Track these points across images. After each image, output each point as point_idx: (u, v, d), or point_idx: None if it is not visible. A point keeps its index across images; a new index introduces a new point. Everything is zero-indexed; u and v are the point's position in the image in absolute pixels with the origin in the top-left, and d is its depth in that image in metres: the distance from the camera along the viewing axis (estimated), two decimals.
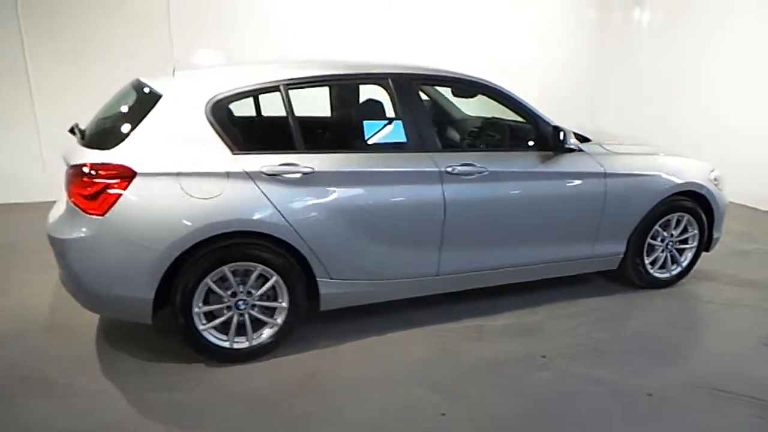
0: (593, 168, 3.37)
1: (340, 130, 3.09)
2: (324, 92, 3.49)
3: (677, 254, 3.85)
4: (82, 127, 2.98)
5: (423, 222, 3.01)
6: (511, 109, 3.31)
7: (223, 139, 2.67)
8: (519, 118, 3.42)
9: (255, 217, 2.66)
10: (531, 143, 3.36)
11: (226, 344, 2.80)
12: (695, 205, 3.72)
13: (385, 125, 3.15)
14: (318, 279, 2.88)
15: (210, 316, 2.77)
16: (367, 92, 3.40)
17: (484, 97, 3.44)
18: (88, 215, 2.52)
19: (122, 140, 2.58)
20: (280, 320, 2.86)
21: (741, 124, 5.98)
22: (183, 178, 2.57)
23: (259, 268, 2.74)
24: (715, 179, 3.81)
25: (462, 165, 3.03)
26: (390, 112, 3.14)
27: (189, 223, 2.55)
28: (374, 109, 3.24)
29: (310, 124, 3.09)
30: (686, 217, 3.73)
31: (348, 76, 3.05)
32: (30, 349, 2.93)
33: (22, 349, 2.93)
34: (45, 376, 2.69)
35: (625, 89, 7.38)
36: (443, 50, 6.26)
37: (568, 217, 3.37)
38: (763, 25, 5.78)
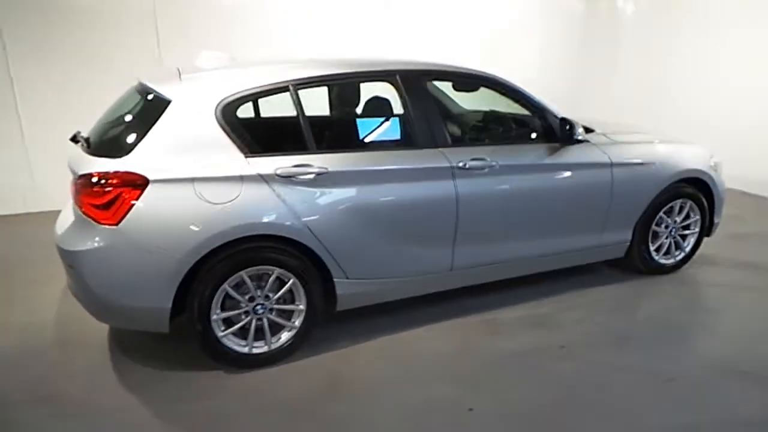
0: (600, 158, 3.40)
1: (351, 129, 3.06)
2: (332, 91, 3.45)
3: (680, 240, 3.90)
4: (84, 134, 2.91)
5: (437, 218, 3.00)
6: (518, 102, 3.32)
7: (235, 142, 2.63)
8: (519, 111, 3.44)
9: (272, 220, 2.62)
10: (538, 135, 3.38)
11: (245, 350, 2.76)
12: (697, 192, 3.78)
13: (395, 122, 3.12)
14: (335, 280, 2.85)
15: (227, 322, 2.73)
16: (373, 90, 3.38)
17: (482, 92, 3.45)
18: (101, 225, 2.46)
19: (133, 147, 2.52)
20: (297, 323, 2.83)
21: (726, 110, 6.10)
22: (198, 183, 2.52)
23: (276, 271, 2.70)
24: (715, 165, 3.87)
25: (473, 160, 3.03)
26: (398, 108, 3.12)
27: (206, 229, 2.50)
28: (383, 107, 3.22)
29: (320, 123, 3.06)
30: (689, 203, 3.79)
31: (357, 74, 3.01)
32: (46, 366, 2.85)
33: (38, 366, 2.84)
34: (66, 394, 2.61)
35: (609, 79, 7.46)
36: (442, 49, 6.29)
37: (577, 208, 3.40)
38: (746, 13, 5.89)
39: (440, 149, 3.00)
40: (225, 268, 2.59)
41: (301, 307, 2.81)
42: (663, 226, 3.79)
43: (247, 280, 2.67)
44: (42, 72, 5.27)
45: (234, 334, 2.73)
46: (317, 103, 3.53)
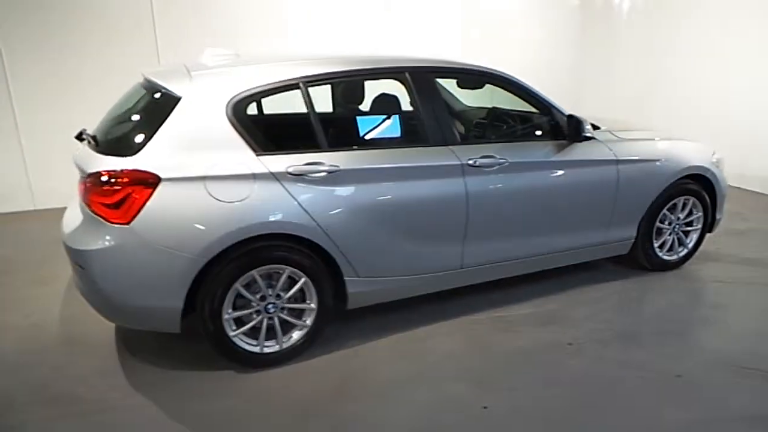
0: (606, 155, 3.41)
1: (362, 127, 3.04)
2: (341, 88, 3.42)
3: (683, 236, 3.93)
4: (90, 132, 2.87)
5: (447, 215, 3.00)
6: (525, 100, 3.32)
7: (245, 140, 2.60)
8: (522, 108, 3.45)
9: (284, 219, 2.60)
10: (545, 132, 3.38)
11: (257, 349, 2.74)
12: (700, 188, 3.81)
13: (405, 120, 3.11)
14: (346, 278, 2.84)
15: (238, 321, 2.71)
16: (379, 87, 3.36)
17: (485, 89, 3.46)
18: (111, 224, 2.43)
19: (143, 145, 2.48)
20: (309, 321, 2.82)
21: (724, 106, 6.14)
22: (209, 182, 2.49)
23: (288, 270, 2.69)
24: (717, 161, 3.90)
25: (482, 157, 3.03)
26: (406, 105, 3.10)
27: (218, 228, 2.48)
28: (391, 104, 3.20)
29: (330, 121, 3.04)
30: (692, 200, 3.81)
31: (367, 71, 3.00)
32: (52, 367, 2.81)
33: (43, 368, 2.80)
34: (75, 395, 2.58)
35: (606, 76, 7.50)
36: (442, 49, 6.28)
37: (584, 205, 3.41)
38: (744, 9, 5.93)
39: (450, 147, 3.00)
40: (237, 267, 2.57)
41: (312, 305, 2.80)
42: (667, 222, 3.82)
43: (259, 279, 2.65)
44: (38, 70, 5.20)
45: (245, 333, 2.71)
46: (323, 100, 3.52)
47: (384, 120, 3.13)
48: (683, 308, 3.48)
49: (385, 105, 3.22)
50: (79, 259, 2.52)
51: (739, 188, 6.04)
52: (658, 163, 3.58)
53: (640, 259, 3.82)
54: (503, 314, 3.34)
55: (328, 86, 3.42)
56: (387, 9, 6.15)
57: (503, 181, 3.09)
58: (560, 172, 3.26)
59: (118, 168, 2.44)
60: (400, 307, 3.24)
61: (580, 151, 3.32)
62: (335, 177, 2.71)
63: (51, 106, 5.29)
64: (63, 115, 5.30)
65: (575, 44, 7.31)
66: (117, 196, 2.42)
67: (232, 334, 2.66)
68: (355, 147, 2.87)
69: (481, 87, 3.54)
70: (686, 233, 3.94)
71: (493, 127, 3.69)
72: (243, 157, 2.58)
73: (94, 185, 2.47)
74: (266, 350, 2.76)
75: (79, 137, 2.94)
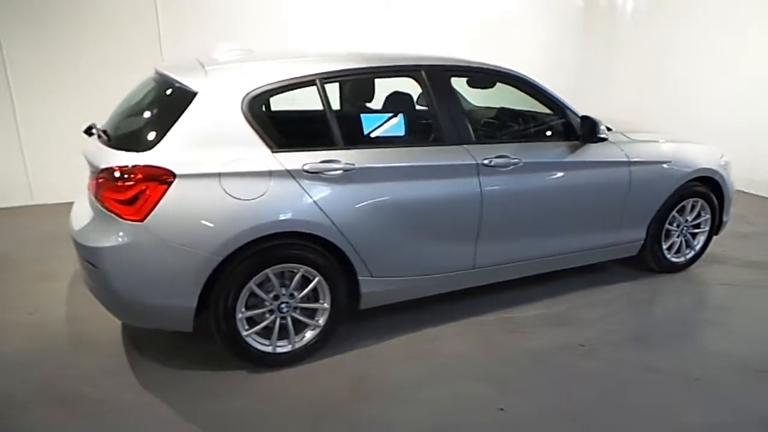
0: (619, 156, 3.40)
1: (377, 125, 3.01)
2: (355, 85, 3.38)
3: (691, 239, 3.94)
4: (100, 127, 2.82)
5: (461, 215, 2.97)
6: (538, 100, 3.30)
7: (261, 137, 2.56)
8: (532, 108, 3.43)
9: (300, 218, 2.57)
10: (557, 133, 3.36)
11: (269, 349, 2.70)
12: (708, 190, 3.81)
13: (420, 118, 3.08)
14: (359, 278, 2.81)
15: (250, 320, 2.67)
16: (392, 85, 3.33)
17: (492, 89, 3.44)
18: (125, 221, 2.38)
19: (158, 141, 2.44)
20: (322, 321, 2.79)
21: (725, 107, 6.16)
22: (225, 179, 2.45)
23: (302, 269, 2.65)
24: (725, 164, 3.91)
25: (497, 157, 3.01)
26: (422, 104, 3.08)
27: (234, 226, 2.44)
28: (405, 102, 3.17)
29: (346, 118, 3.00)
30: (700, 202, 3.82)
31: (383, 69, 2.96)
32: (58, 366, 2.75)
33: (50, 367, 2.75)
34: (83, 395, 2.53)
35: (607, 75, 7.50)
36: (442, 49, 6.22)
37: (596, 206, 3.41)
38: (744, 9, 5.95)
39: (465, 146, 2.97)
40: (251, 265, 2.53)
41: (326, 305, 2.77)
42: (675, 224, 3.82)
43: (273, 278, 2.61)
44: (39, 65, 5.11)
45: (257, 333, 2.68)
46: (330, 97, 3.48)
47: (400, 118, 3.10)
48: (692, 310, 3.49)
49: (400, 103, 3.19)
50: (90, 256, 2.47)
51: (743, 192, 6.07)
52: (668, 165, 3.58)
53: (648, 260, 3.82)
54: (513, 315, 3.32)
55: (336, 83, 3.38)
56: (387, 9, 6.11)
57: (517, 182, 3.08)
58: (574, 173, 3.25)
59: (133, 164, 2.39)
60: (410, 308, 3.21)
61: (593, 152, 3.31)
62: (351, 175, 2.68)
63: (50, 98, 5.20)
64: (62, 109, 5.22)
65: (577, 45, 7.30)
66: (131, 193, 2.37)
67: (245, 333, 2.62)
68: (370, 145, 2.84)
69: (492, 86, 3.51)
70: (693, 235, 3.95)
71: (504, 126, 3.67)
72: (259, 154, 2.54)
73: (107, 181, 2.42)
74: (279, 350, 2.72)
75: (88, 131, 2.88)
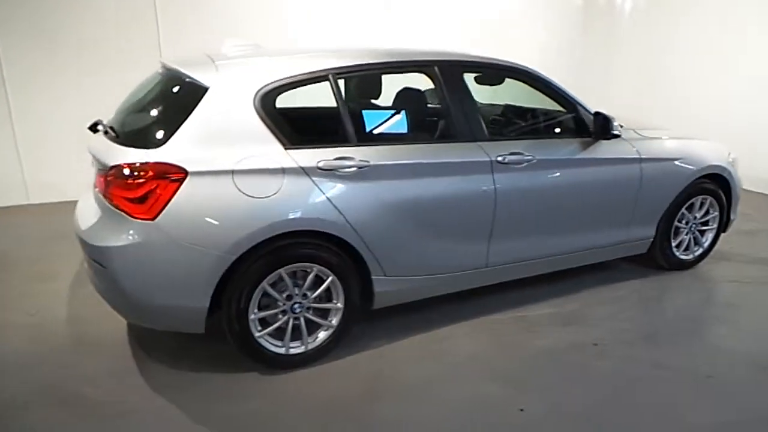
0: (630, 153, 3.38)
1: (391, 121, 2.97)
2: (353, 82, 3.31)
3: (699, 236, 3.93)
4: (107, 123, 2.74)
5: (475, 213, 2.93)
6: (550, 96, 3.27)
7: (274, 133, 2.51)
8: (542, 105, 3.39)
9: (314, 216, 2.52)
10: (569, 129, 3.33)
11: (282, 350, 2.65)
12: (717, 187, 3.80)
13: (434, 114, 3.02)
14: (373, 277, 2.76)
15: (262, 321, 2.61)
16: (402, 81, 3.28)
17: (499, 86, 3.41)
18: (135, 220, 2.32)
19: (169, 137, 2.37)
20: (335, 321, 2.74)
21: (724, 105, 6.16)
22: (237, 176, 2.39)
23: (316, 268, 2.60)
24: (733, 161, 3.90)
25: (511, 154, 2.97)
26: (435, 100, 3.03)
27: (247, 225, 2.38)
28: (417, 99, 3.13)
29: (359, 114, 2.95)
30: (709, 199, 3.81)
31: (395, 64, 2.91)
32: (62, 368, 2.69)
33: (53, 369, 2.68)
34: (89, 397, 2.46)
35: (607, 74, 7.49)
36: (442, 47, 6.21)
37: (608, 203, 3.38)
38: (742, 6, 5.95)
39: (478, 143, 2.93)
40: (264, 265, 2.48)
41: (339, 305, 2.72)
42: (684, 222, 3.81)
43: (286, 278, 2.56)
44: (35, 63, 5.01)
45: (270, 334, 2.62)
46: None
47: (413, 115, 3.05)
48: (701, 308, 3.48)
49: (412, 99, 3.14)
50: (98, 256, 2.40)
51: (744, 189, 6.06)
52: (679, 162, 3.57)
53: (657, 258, 3.80)
54: (525, 314, 3.29)
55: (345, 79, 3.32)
56: (387, 9, 6.07)
57: (531, 179, 3.04)
58: (586, 170, 3.22)
59: (143, 161, 2.32)
60: (421, 307, 3.16)
61: (605, 149, 3.28)
62: (365, 172, 2.62)
63: (46, 96, 5.11)
64: (58, 107, 5.13)
65: (577, 44, 7.29)
66: (141, 191, 2.31)
67: (257, 334, 2.57)
68: (384, 142, 2.78)
69: (501, 83, 3.48)
70: (702, 233, 3.93)
71: (515, 123, 3.63)
72: (272, 151, 2.48)
73: (116, 178, 2.35)
74: (292, 351, 2.67)
75: (93, 128, 2.81)
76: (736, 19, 6.06)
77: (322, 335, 2.73)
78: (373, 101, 3.29)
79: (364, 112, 3.05)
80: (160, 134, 2.40)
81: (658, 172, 3.48)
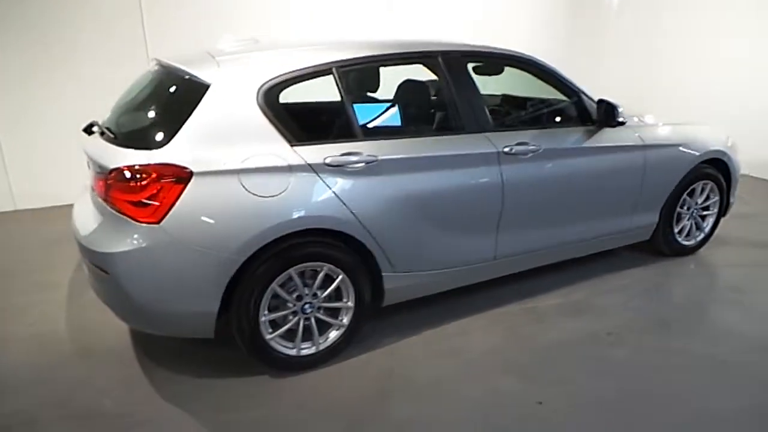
0: (634, 140, 3.36)
1: (397, 114, 2.91)
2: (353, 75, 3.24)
3: (700, 221, 3.93)
4: (102, 123, 2.65)
5: (483, 205, 2.89)
6: (553, 85, 3.23)
7: (279, 129, 2.43)
8: (544, 94, 3.36)
9: (324, 213, 2.45)
10: (571, 118, 3.30)
11: (293, 352, 2.59)
12: (717, 172, 3.81)
13: (439, 106, 2.96)
14: (383, 274, 2.71)
15: (272, 323, 2.55)
16: (403, 73, 3.22)
17: (499, 75, 3.36)
18: (139, 223, 2.23)
19: (171, 137, 2.28)
20: (346, 320, 2.68)
21: (713, 95, 6.19)
22: (244, 175, 2.32)
23: (326, 267, 2.54)
24: (732, 146, 3.91)
25: (518, 144, 2.93)
26: (440, 91, 2.97)
27: (256, 225, 2.31)
28: (420, 90, 3.07)
29: (365, 108, 2.88)
30: (710, 184, 3.81)
31: (398, 56, 2.84)
32: (73, 380, 2.59)
33: (64, 381, 2.58)
34: (101, 409, 2.38)
35: (597, 64, 7.48)
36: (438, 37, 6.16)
37: (614, 191, 3.37)
38: (734, 1, 5.98)
39: (485, 134, 2.89)
40: (274, 265, 2.41)
41: (350, 304, 2.66)
42: (686, 207, 3.81)
43: (296, 278, 2.49)
44: (18, 67, 4.83)
45: (280, 335, 2.55)
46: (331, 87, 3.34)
47: (417, 107, 2.99)
48: (708, 293, 3.50)
49: (415, 91, 3.08)
50: (101, 262, 2.31)
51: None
52: (681, 148, 3.56)
53: (660, 244, 3.80)
54: (534, 305, 3.26)
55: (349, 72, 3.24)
56: (389, 9, 6.01)
57: (538, 169, 3.01)
58: (593, 158, 3.20)
59: (146, 162, 2.24)
60: (428, 302, 3.12)
61: (610, 137, 3.26)
62: (373, 168, 2.56)
63: (30, 100, 4.93)
64: (43, 111, 4.97)
65: (566, 28, 7.26)
66: (145, 193, 2.22)
67: (268, 337, 2.50)
68: (391, 136, 2.72)
69: (500, 72, 3.43)
70: (703, 218, 3.94)
71: (519, 113, 3.58)
72: (278, 149, 2.41)
73: (118, 181, 2.26)
74: (303, 352, 2.61)
75: (88, 130, 2.70)
76: (726, 1, 6.07)
77: (333, 335, 2.68)
78: (374, 94, 3.23)
79: (368, 105, 2.98)
80: (161, 134, 2.31)
81: (661, 158, 3.47)
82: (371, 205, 2.56)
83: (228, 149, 2.33)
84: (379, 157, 2.57)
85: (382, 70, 3.27)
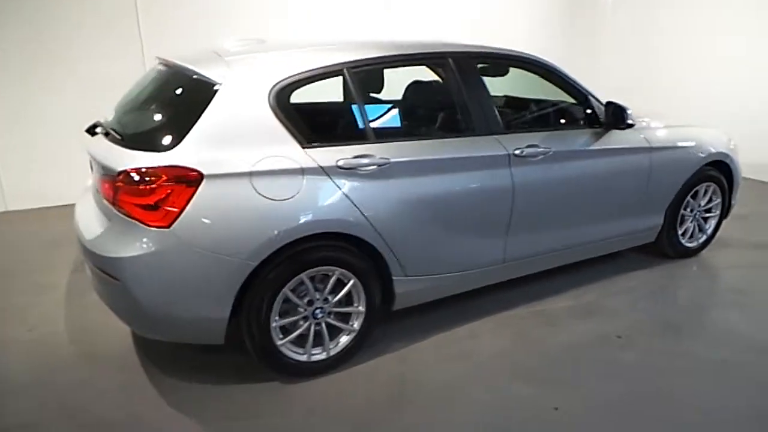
0: (641, 142, 3.36)
1: (408, 116, 2.86)
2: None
3: (703, 223, 3.95)
4: (107, 124, 2.58)
5: (494, 207, 2.87)
6: (561, 87, 3.21)
7: (290, 131, 2.38)
8: (542, 96, 3.35)
9: (337, 217, 2.41)
10: (580, 120, 3.29)
11: (304, 357, 2.54)
12: (719, 174, 3.82)
13: (450, 108, 2.92)
14: (394, 278, 2.67)
15: (283, 329, 2.50)
16: (410, 74, 3.19)
17: (503, 76, 3.34)
18: (149, 228, 2.17)
19: (181, 138, 2.22)
20: (357, 325, 2.64)
21: (710, 95, 6.23)
22: (255, 178, 2.26)
23: (338, 271, 2.49)
24: (734, 148, 3.92)
25: (528, 146, 2.91)
26: (450, 93, 2.93)
27: (268, 228, 2.26)
28: (430, 92, 3.03)
29: (376, 110, 2.84)
30: (713, 186, 3.82)
31: (409, 57, 2.80)
32: (72, 384, 2.52)
33: (63, 386, 2.51)
34: (106, 417, 2.31)
35: (595, 64, 7.50)
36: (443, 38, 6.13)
37: (622, 193, 3.37)
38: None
39: (495, 136, 2.86)
40: (286, 270, 2.36)
41: (361, 308, 2.62)
42: (689, 209, 3.82)
43: (308, 283, 2.45)
44: (8, 65, 4.71)
45: (291, 341, 2.51)
46: (334, 89, 3.29)
47: (428, 109, 2.95)
48: (717, 295, 3.52)
49: (424, 93, 3.05)
50: (108, 267, 2.25)
51: None
52: (686, 150, 3.57)
53: (664, 246, 3.81)
54: (543, 308, 3.25)
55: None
56: (387, 9, 5.97)
57: (547, 171, 2.99)
58: (601, 160, 3.19)
59: (155, 165, 2.18)
60: (437, 306, 3.08)
61: (618, 139, 3.25)
62: (385, 170, 2.52)
63: (21, 99, 4.82)
64: (35, 111, 4.86)
65: (563, 33, 7.27)
66: (155, 197, 2.16)
67: (279, 343, 2.45)
68: (403, 138, 2.68)
69: (505, 74, 3.41)
70: (705, 220, 3.96)
71: (527, 115, 3.56)
72: (289, 151, 2.36)
73: (126, 184, 2.19)
74: (314, 358, 2.56)
75: (92, 130, 2.63)
76: (725, 2, 6.10)
77: (344, 340, 2.63)
78: (382, 96, 3.18)
79: (378, 107, 2.94)
80: (170, 135, 2.25)
81: (667, 160, 3.47)
82: (383, 208, 2.52)
83: (239, 151, 2.28)
84: (391, 160, 2.53)
85: (386, 71, 3.25)
